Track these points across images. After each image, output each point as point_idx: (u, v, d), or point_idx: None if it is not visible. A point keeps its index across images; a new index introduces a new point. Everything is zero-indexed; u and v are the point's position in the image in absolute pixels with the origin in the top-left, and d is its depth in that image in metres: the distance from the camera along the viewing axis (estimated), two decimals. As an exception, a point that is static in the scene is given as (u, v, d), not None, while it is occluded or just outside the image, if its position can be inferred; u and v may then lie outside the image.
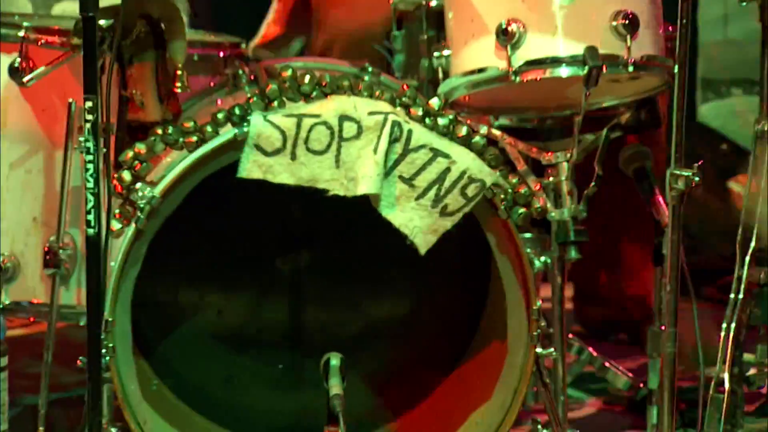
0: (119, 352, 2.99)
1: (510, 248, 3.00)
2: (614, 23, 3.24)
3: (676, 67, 3.15)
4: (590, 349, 3.96)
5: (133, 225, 2.84)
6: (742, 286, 3.54)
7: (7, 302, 3.29)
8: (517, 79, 3.12)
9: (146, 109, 3.01)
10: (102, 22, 2.84)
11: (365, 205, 2.84)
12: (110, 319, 2.86)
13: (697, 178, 3.02)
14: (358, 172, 2.84)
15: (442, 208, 3.00)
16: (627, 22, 3.24)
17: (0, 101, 3.40)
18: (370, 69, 3.00)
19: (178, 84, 3.08)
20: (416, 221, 3.03)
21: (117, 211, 2.83)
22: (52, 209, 3.22)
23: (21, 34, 3.28)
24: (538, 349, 3.10)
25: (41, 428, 3.21)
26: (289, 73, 2.89)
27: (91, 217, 2.70)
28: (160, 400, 3.20)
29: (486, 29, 3.22)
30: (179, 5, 3.22)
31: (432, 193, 3.07)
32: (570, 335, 3.96)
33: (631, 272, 4.69)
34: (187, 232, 3.13)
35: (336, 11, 3.68)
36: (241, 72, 3.15)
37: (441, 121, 2.81)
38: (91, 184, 2.71)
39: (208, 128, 2.86)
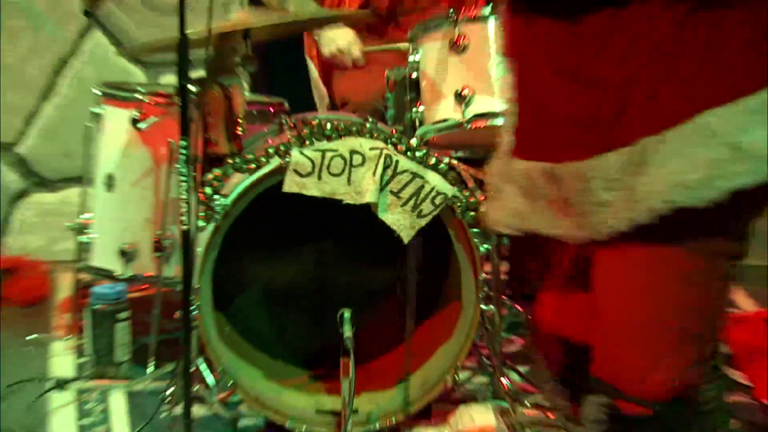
0: (203, 308, 2.99)
1: (463, 239, 3.07)
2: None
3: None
4: (516, 305, 3.93)
5: (212, 223, 2.91)
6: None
7: (129, 275, 3.30)
8: (468, 126, 3.18)
9: (219, 146, 3.06)
10: (192, 87, 2.87)
11: (367, 210, 2.89)
12: (197, 286, 2.88)
13: None
14: (363, 188, 2.90)
15: (418, 212, 3.04)
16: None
17: (124, 140, 3.39)
18: (371, 119, 3.00)
19: (240, 129, 3.12)
20: (401, 221, 3.08)
21: (202, 214, 2.89)
22: (159, 213, 3.26)
23: (138, 96, 3.35)
24: (483, 306, 3.14)
25: (152, 359, 3.27)
26: (317, 122, 2.94)
27: (184, 218, 2.76)
28: (230, 340, 3.13)
29: (448, 93, 3.26)
30: (242, 78, 3.23)
31: (412, 202, 3.07)
32: (503, 296, 3.84)
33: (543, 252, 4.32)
34: (250, 226, 3.08)
35: (349, 84, 3.68)
36: (284, 120, 3.14)
37: (418, 154, 2.88)
38: (184, 196, 2.82)
39: (263, 159, 2.90)
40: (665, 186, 1.75)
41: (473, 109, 3.24)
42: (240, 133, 3.14)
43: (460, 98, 3.23)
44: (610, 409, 1.97)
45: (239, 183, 2.98)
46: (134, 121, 3.23)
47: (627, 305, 1.95)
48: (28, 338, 3.57)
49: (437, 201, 3.08)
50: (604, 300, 1.99)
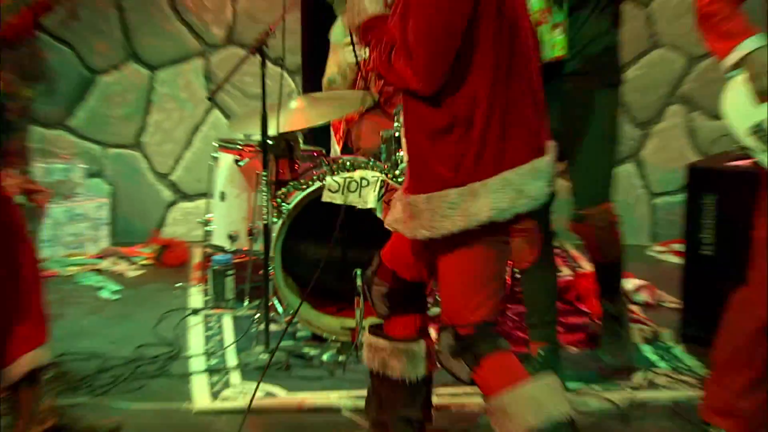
0: (276, 269, 2.90)
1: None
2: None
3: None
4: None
5: (281, 220, 2.89)
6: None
7: (233, 249, 3.21)
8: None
9: (284, 175, 3.08)
10: (269, 141, 2.88)
11: (371, 213, 2.85)
12: (272, 256, 2.86)
13: None
14: (368, 199, 2.86)
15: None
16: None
17: (231, 172, 3.29)
18: (372, 159, 2.95)
19: (297, 165, 3.14)
20: (388, 218, 2.82)
21: (275, 214, 2.89)
22: (250, 213, 3.14)
23: (238, 146, 3.25)
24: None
25: (247, 297, 3.18)
26: (341, 161, 2.94)
27: (265, 216, 2.84)
28: (291, 287, 3.07)
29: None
30: (299, 135, 3.18)
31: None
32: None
33: None
34: (303, 221, 3.04)
35: (360, 138, 3.46)
36: (322, 160, 3.09)
37: (400, 180, 2.83)
38: (265, 203, 2.84)
39: (310, 182, 2.89)
40: (488, 209, 1.78)
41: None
42: (297, 167, 3.14)
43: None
44: (453, 334, 1.90)
45: (296, 196, 2.95)
46: (236, 161, 3.23)
47: (455, 273, 1.91)
48: (176, 285, 3.53)
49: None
50: (442, 272, 1.92)
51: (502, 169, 1.80)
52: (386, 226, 2.03)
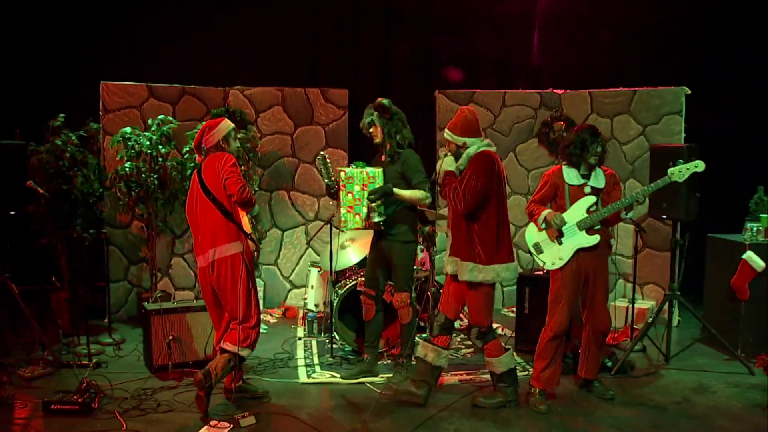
0: (335, 320, 3.99)
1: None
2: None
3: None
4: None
5: (338, 298, 4.02)
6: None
7: (317, 310, 3.85)
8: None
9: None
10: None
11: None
12: (334, 314, 3.97)
13: None
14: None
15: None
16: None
17: (316, 277, 4.23)
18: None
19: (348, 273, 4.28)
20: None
21: (335, 296, 3.87)
22: (325, 294, 3.87)
23: (320, 268, 3.93)
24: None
25: (322, 333, 4.14)
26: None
27: (331, 295, 3.60)
28: (343, 328, 4.30)
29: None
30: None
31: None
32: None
33: None
34: (348, 300, 4.44)
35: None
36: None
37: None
38: (331, 291, 3.67)
39: (349, 281, 4.12)
40: (492, 277, 3.37)
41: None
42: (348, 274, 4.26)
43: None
44: (477, 330, 3.40)
45: (346, 287, 4.21)
46: (319, 272, 4.07)
47: (480, 301, 3.37)
48: (291, 326, 4.64)
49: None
50: (472, 301, 3.22)
51: (500, 261, 3.55)
52: (447, 273, 3.59)
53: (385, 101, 4.24)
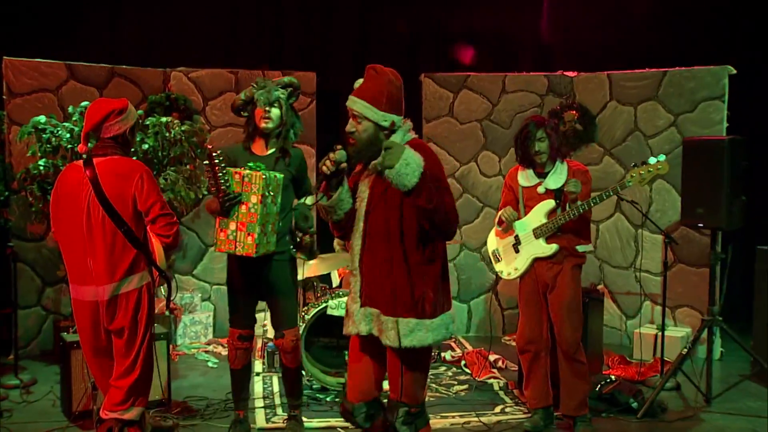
0: (303, 351, 4.12)
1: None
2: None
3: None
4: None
5: (305, 325, 4.27)
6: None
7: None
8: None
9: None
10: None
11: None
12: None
13: None
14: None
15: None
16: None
17: None
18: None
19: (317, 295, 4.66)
20: None
21: (301, 322, 4.05)
22: None
23: None
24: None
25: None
26: (339, 291, 4.49)
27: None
28: (311, 361, 4.38)
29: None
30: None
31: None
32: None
33: None
34: (318, 326, 4.66)
35: None
36: (327, 291, 4.41)
37: None
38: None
39: (320, 304, 4.28)
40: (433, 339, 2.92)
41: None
42: (318, 296, 4.54)
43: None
44: (406, 410, 2.95)
45: (313, 312, 4.48)
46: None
47: (416, 371, 2.96)
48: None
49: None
50: (405, 370, 2.90)
51: (447, 309, 2.96)
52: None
53: (296, 80, 4.09)
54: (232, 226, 3.71)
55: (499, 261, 4.38)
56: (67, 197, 3.49)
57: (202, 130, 5.94)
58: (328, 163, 2.94)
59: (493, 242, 4.46)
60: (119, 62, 6.15)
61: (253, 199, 3.66)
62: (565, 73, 6.60)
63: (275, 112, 3.99)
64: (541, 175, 4.25)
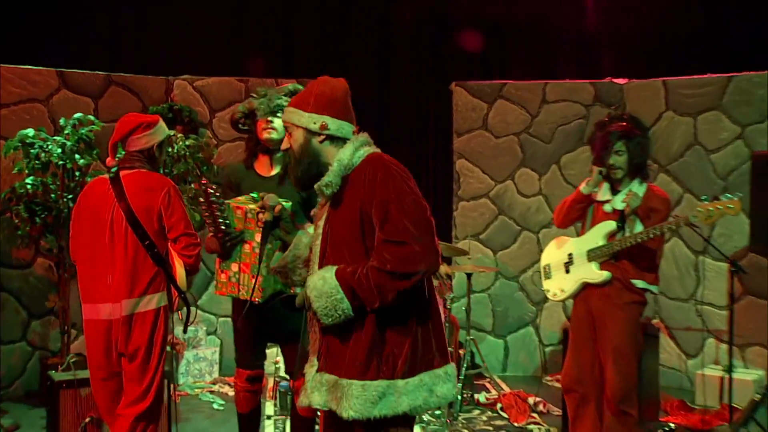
0: None
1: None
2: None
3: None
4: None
5: None
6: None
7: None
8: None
9: None
10: None
11: None
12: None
13: None
14: None
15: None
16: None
17: None
18: None
19: None
20: None
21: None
22: None
23: None
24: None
25: None
26: None
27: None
28: None
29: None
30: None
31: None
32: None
33: None
34: None
35: None
36: None
37: None
38: None
39: None
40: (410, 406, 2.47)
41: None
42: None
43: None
44: None
45: None
46: None
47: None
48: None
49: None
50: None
51: (430, 366, 2.59)
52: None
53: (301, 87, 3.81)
54: (235, 267, 3.57)
55: (549, 278, 4.32)
56: (91, 210, 3.63)
57: (209, 145, 5.93)
58: (261, 213, 2.88)
59: (547, 256, 4.39)
60: (116, 69, 6.14)
61: (258, 237, 3.39)
62: (614, 79, 6.52)
63: (278, 121, 3.80)
64: (616, 192, 4.11)
